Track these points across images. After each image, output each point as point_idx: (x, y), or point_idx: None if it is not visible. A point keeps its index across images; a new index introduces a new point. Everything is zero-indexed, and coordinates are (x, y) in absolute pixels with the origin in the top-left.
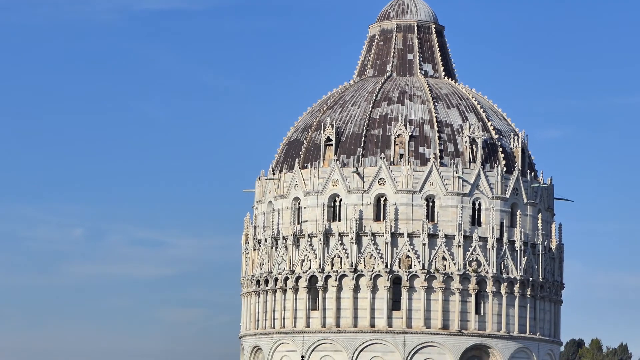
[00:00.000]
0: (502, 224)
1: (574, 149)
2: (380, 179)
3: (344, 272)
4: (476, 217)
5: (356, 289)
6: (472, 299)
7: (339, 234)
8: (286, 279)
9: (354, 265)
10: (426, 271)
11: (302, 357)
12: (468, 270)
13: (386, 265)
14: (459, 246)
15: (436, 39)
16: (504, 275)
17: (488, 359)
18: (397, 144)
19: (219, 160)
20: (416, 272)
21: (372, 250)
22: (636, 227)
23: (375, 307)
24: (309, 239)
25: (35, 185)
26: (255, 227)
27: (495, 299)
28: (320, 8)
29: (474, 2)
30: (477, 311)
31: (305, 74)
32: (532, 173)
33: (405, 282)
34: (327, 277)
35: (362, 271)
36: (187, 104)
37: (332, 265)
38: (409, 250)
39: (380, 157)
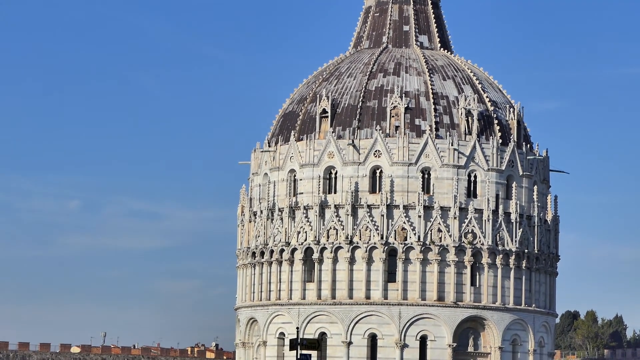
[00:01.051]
0: (497, 196)
1: (570, 121)
2: (375, 151)
3: (339, 244)
4: (472, 189)
5: (352, 261)
6: (468, 270)
7: (335, 206)
8: (282, 250)
9: (349, 237)
10: (422, 243)
11: (297, 328)
12: (463, 242)
13: (382, 237)
14: (455, 218)
15: (432, 11)
16: (500, 247)
17: (483, 330)
18: (393, 116)
19: (215, 133)
20: (412, 244)
21: (368, 222)
22: (632, 199)
23: (370, 279)
24: (304, 211)
25: (32, 157)
26: (250, 199)
27: (490, 271)
28: None
29: None
30: (473, 283)
31: (301, 46)
32: (528, 145)
33: (401, 254)
34: (323, 249)
35: (357, 243)
36: (183, 77)
37: (328, 237)
38: (404, 222)
39: (376, 129)
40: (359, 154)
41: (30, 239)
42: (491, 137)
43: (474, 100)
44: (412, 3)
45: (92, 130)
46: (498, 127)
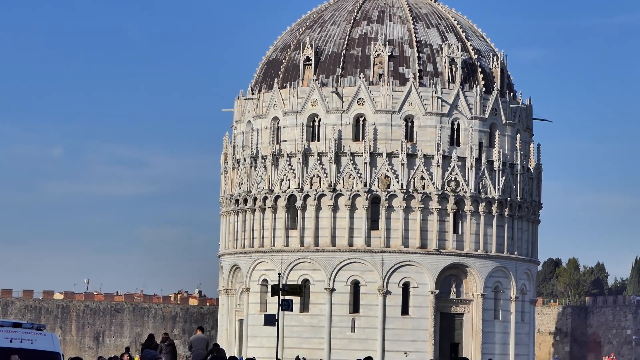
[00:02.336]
0: (480, 144)
1: (553, 69)
2: (359, 99)
3: (322, 191)
4: (455, 137)
5: (335, 208)
6: (451, 218)
7: (318, 153)
8: (265, 198)
9: (332, 184)
10: (405, 191)
11: (279, 274)
12: (446, 190)
13: (365, 185)
14: (438, 166)
15: None
16: (482, 195)
17: (466, 278)
18: (377, 64)
19: (198, 80)
20: (395, 191)
21: (351, 170)
22: (614, 146)
23: (353, 226)
24: (287, 159)
25: (14, 103)
26: (234, 146)
27: (473, 219)
28: None
29: None
30: (455, 231)
31: None
32: (511, 93)
33: (384, 201)
34: (306, 196)
35: (340, 191)
36: (167, 24)
37: (311, 184)
38: (387, 170)
39: (360, 77)
40: (343, 101)
41: (12, 185)
42: (474, 85)
43: (458, 48)
44: None
45: (75, 77)
46: (481, 76)
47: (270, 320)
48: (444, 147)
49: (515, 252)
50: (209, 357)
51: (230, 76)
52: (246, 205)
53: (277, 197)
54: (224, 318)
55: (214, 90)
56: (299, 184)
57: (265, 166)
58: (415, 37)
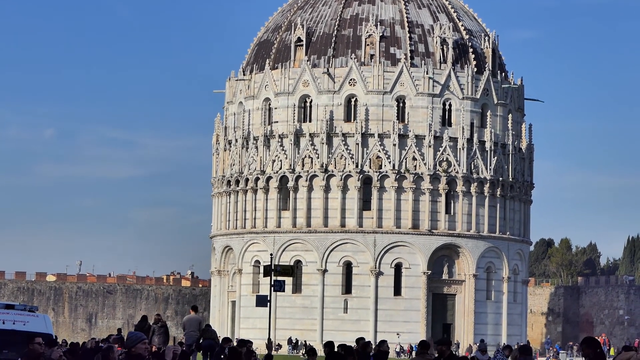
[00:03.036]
0: (472, 124)
1: (545, 49)
2: (350, 79)
3: (314, 172)
4: (446, 117)
5: (327, 189)
6: (442, 199)
7: (310, 134)
8: (257, 179)
9: (324, 165)
10: (396, 171)
11: (271, 255)
12: (438, 170)
13: (357, 166)
14: (430, 146)
15: None
16: (474, 175)
17: (458, 258)
18: (368, 45)
19: (190, 61)
20: (386, 172)
21: (343, 150)
22: (606, 126)
23: (345, 207)
24: (279, 140)
25: (6, 85)
26: (225, 127)
27: (465, 199)
28: None
29: None
30: (447, 211)
31: None
32: (503, 74)
33: (376, 182)
34: (298, 177)
35: (332, 171)
36: (158, 4)
37: (303, 165)
38: (379, 151)
39: (351, 58)
40: (334, 82)
41: (4, 167)
42: (466, 65)
43: (449, 28)
44: None
45: (67, 59)
46: (473, 56)
47: (262, 301)
48: (435, 128)
49: (508, 233)
50: (200, 340)
51: (222, 57)
52: (238, 186)
53: (269, 178)
54: (217, 299)
55: (205, 71)
56: (290, 165)
57: (256, 147)
58: (407, 17)
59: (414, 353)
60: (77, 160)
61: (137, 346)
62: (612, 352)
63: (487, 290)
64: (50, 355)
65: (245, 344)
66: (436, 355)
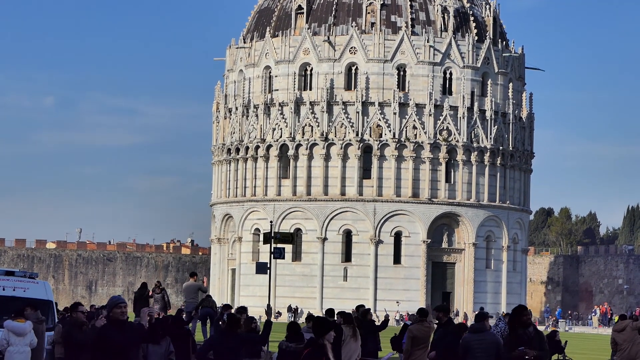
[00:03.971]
0: (472, 93)
1: (546, 18)
2: (351, 47)
3: (315, 140)
4: (447, 86)
5: (327, 157)
6: (443, 167)
7: (310, 102)
8: (257, 147)
9: (325, 134)
10: (397, 140)
11: (271, 222)
12: (438, 139)
13: (357, 134)
14: (430, 115)
15: None
16: (475, 144)
17: (457, 227)
18: (369, 13)
19: (190, 29)
20: (387, 141)
21: (343, 119)
22: (606, 96)
23: (345, 175)
24: (279, 108)
25: (5, 53)
26: (226, 95)
27: (465, 168)
28: None
29: None
30: (447, 180)
31: None
32: (504, 42)
33: (376, 150)
34: (298, 145)
35: (333, 140)
36: None
37: (303, 134)
38: (379, 119)
39: (352, 26)
40: (335, 50)
41: (5, 136)
42: (467, 34)
43: None
44: None
45: (67, 26)
46: (474, 24)
47: (262, 268)
48: (436, 96)
49: (507, 202)
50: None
51: (223, 25)
52: (238, 154)
53: (269, 146)
54: (216, 267)
55: (206, 39)
56: (291, 133)
57: (257, 115)
58: None
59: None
60: (77, 128)
61: (113, 310)
62: (616, 320)
63: (487, 259)
64: (95, 323)
65: (245, 310)
66: (436, 322)
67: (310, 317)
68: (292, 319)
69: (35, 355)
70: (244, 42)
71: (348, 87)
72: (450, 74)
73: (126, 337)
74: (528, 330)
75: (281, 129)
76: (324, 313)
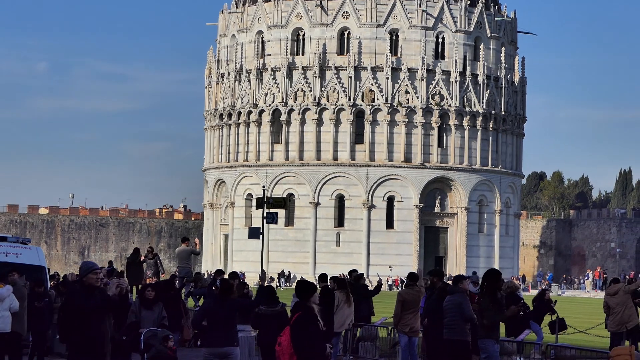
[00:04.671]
0: (465, 57)
1: None
2: (344, 12)
3: (307, 105)
4: (439, 50)
5: (319, 122)
6: (435, 132)
7: (303, 67)
8: (249, 112)
9: (317, 99)
10: (389, 105)
11: (264, 187)
12: (431, 103)
13: (349, 99)
14: (422, 80)
15: None
16: (467, 109)
17: (450, 191)
18: None
19: None
20: (379, 105)
21: (336, 84)
22: (599, 60)
23: (338, 140)
24: (272, 73)
25: None
26: (218, 60)
27: (457, 132)
28: None
29: None
30: (440, 144)
31: None
32: (496, 6)
33: (368, 115)
34: (291, 110)
35: (325, 105)
36: None
37: (296, 99)
38: (372, 84)
39: None
40: (327, 15)
41: None
42: None
43: None
44: None
45: None
46: None
47: (255, 233)
48: (428, 61)
49: (500, 166)
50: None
51: None
52: (230, 119)
53: (262, 111)
54: (209, 232)
55: (198, 4)
56: (283, 98)
57: (249, 80)
58: None
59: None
60: (70, 94)
61: (87, 276)
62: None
63: (479, 223)
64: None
65: (237, 276)
66: (428, 285)
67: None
68: (284, 284)
69: (16, 319)
70: (237, 7)
71: (340, 52)
72: (443, 38)
73: (93, 303)
74: (501, 292)
75: (273, 94)
76: (317, 278)
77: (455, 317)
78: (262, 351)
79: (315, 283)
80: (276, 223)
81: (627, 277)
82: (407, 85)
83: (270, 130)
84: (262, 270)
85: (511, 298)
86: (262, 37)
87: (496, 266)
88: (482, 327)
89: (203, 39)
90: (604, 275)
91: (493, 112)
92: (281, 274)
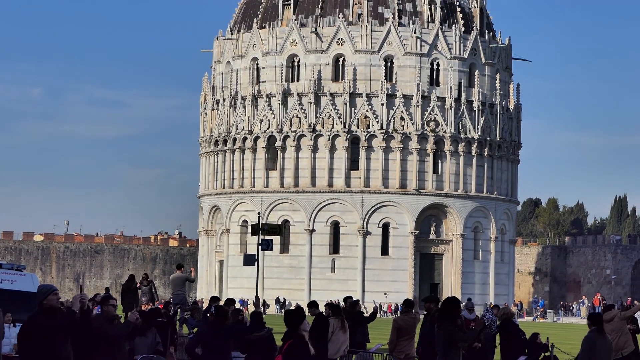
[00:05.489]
0: (460, 84)
1: (532, 9)
2: (338, 39)
3: (302, 132)
4: (434, 77)
5: (314, 149)
6: (430, 158)
7: (298, 94)
8: (244, 139)
9: (312, 125)
10: (384, 131)
11: (259, 213)
12: (426, 130)
13: (344, 126)
14: (417, 106)
15: None
16: (462, 135)
17: (445, 218)
18: (356, 4)
19: (177, 20)
20: (374, 132)
21: (331, 110)
22: (593, 86)
23: (333, 167)
24: (267, 99)
25: None
26: (213, 87)
27: (452, 159)
28: None
29: None
30: (435, 171)
31: None
32: (491, 33)
33: (364, 142)
34: (286, 137)
35: (320, 131)
36: None
37: (291, 125)
38: (367, 111)
39: (339, 17)
40: (322, 42)
41: None
42: (454, 25)
43: None
44: None
45: (54, 18)
46: (461, 15)
47: (250, 260)
48: (423, 87)
49: (495, 192)
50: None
51: (210, 16)
52: (226, 145)
53: (257, 137)
54: (204, 259)
55: (193, 30)
56: (278, 125)
57: (244, 107)
58: None
59: (398, 312)
60: (64, 119)
61: (48, 298)
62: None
63: (475, 249)
64: (129, 318)
65: (232, 302)
66: (424, 312)
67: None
68: (281, 311)
69: None
70: (231, 34)
71: (335, 79)
72: (438, 65)
73: (55, 323)
74: (460, 318)
75: (269, 120)
76: (307, 306)
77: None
78: None
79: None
80: (271, 250)
81: (624, 303)
82: (402, 111)
83: (265, 157)
84: (257, 297)
85: (507, 325)
86: (257, 64)
87: (491, 293)
88: (446, 353)
89: (198, 66)
90: (604, 302)
91: (488, 138)
92: (276, 301)
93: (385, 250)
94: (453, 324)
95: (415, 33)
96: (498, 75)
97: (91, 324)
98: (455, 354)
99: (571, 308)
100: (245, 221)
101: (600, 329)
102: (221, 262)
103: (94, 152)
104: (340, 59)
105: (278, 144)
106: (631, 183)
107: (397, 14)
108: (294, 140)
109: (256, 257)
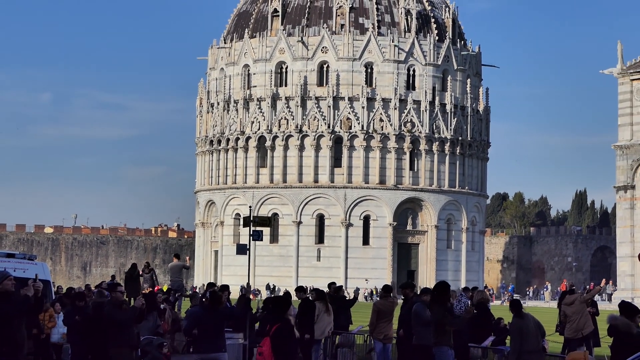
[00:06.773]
0: (434, 88)
1: (501, 19)
2: (323, 47)
3: (290, 132)
4: (411, 82)
5: (301, 148)
6: (407, 156)
7: (286, 98)
8: (237, 139)
9: (299, 126)
10: (365, 132)
11: (250, 207)
12: (403, 130)
13: (329, 127)
14: (395, 109)
15: None
16: (436, 135)
17: (421, 211)
18: (339, 15)
19: (175, 30)
20: (356, 132)
21: (316, 112)
22: (556, 90)
23: (318, 164)
24: (257, 103)
25: (4, 51)
26: (208, 91)
27: (427, 157)
28: None
29: None
30: (412, 168)
31: None
32: (462, 42)
33: (346, 141)
34: (275, 137)
35: (306, 132)
36: None
37: (279, 126)
38: (349, 113)
39: (323, 27)
40: (308, 50)
41: (5, 129)
42: (428, 34)
43: (413, 0)
44: None
45: (63, 29)
46: (435, 25)
47: (242, 249)
48: (400, 92)
49: (466, 187)
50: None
51: (204, 27)
52: (220, 145)
53: (248, 138)
54: (201, 249)
55: (189, 40)
56: (268, 126)
57: (237, 110)
58: None
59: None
60: (72, 122)
61: (3, 283)
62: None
63: (448, 239)
64: (136, 304)
65: (227, 289)
66: (402, 297)
67: (287, 294)
68: (269, 295)
69: None
70: (225, 43)
71: (320, 84)
72: (414, 71)
73: (11, 308)
74: (450, 302)
75: (259, 122)
76: (295, 290)
77: (416, 325)
78: None
79: (292, 294)
80: (262, 240)
81: (586, 287)
82: (381, 113)
83: (256, 156)
84: (248, 284)
85: (481, 308)
86: (249, 70)
87: (463, 279)
88: (437, 334)
89: (194, 72)
90: (572, 287)
91: (460, 138)
92: (267, 287)
93: (366, 241)
94: (443, 308)
95: (393, 42)
96: (469, 80)
97: (102, 311)
98: (446, 335)
99: (542, 292)
100: (238, 214)
101: (520, 313)
102: (216, 252)
103: (99, 152)
104: (325, 66)
105: (268, 143)
106: (590, 179)
107: (376, 24)
108: (283, 140)
109: (248, 247)
